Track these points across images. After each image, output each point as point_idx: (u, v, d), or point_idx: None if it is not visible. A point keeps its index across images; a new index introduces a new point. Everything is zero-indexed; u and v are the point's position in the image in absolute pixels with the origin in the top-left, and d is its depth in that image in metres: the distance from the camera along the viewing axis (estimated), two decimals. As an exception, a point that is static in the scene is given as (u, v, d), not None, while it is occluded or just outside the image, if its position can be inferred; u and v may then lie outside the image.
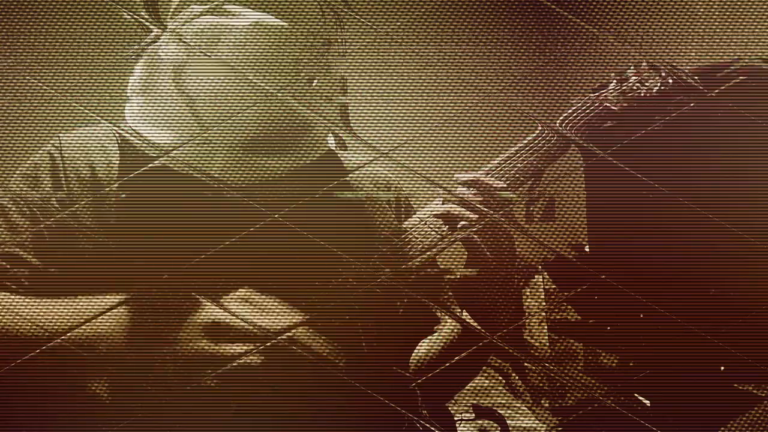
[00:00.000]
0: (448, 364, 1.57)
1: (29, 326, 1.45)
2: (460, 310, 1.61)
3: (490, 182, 1.53)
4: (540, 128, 1.55)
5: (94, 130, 1.58)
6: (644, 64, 1.60)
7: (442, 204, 1.52)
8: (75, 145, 1.55)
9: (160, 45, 1.56)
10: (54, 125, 1.61)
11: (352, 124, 1.59)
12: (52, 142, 1.56)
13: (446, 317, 1.60)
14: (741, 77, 1.60)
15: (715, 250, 1.86)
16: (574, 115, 1.58)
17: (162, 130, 1.55)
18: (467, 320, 1.60)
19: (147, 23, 1.57)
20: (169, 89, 1.55)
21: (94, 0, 1.65)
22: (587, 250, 2.00)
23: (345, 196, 1.59)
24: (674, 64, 1.60)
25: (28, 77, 1.56)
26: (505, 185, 1.53)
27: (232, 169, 1.53)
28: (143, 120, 1.56)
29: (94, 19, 1.66)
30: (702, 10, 1.77)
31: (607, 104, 1.58)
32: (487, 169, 1.55)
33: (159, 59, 1.56)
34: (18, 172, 1.55)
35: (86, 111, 1.57)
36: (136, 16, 1.57)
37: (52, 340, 1.42)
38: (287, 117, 1.54)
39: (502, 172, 1.55)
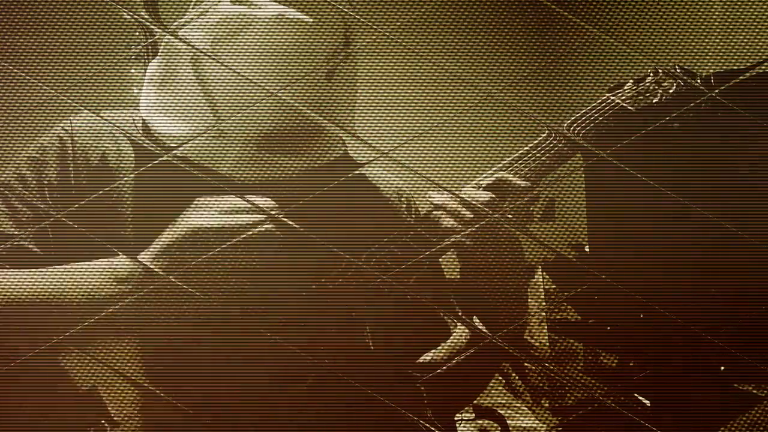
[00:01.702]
0: (450, 365, 1.57)
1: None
2: (461, 312, 1.60)
3: (513, 179, 1.51)
4: (547, 132, 1.54)
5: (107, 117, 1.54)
6: (661, 72, 1.59)
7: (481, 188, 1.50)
8: (86, 130, 1.52)
9: (183, 34, 1.51)
10: (54, 125, 1.60)
11: (353, 124, 1.58)
12: (62, 125, 1.52)
13: (451, 319, 1.60)
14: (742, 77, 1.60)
15: (715, 250, 1.86)
16: (589, 115, 1.56)
17: (178, 122, 1.50)
18: (468, 321, 1.59)
19: (147, 23, 1.56)
20: (188, 81, 1.50)
21: (94, 0, 1.64)
22: (587, 250, 2.00)
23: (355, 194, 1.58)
24: (691, 68, 1.59)
25: (28, 77, 1.55)
26: (528, 183, 1.51)
27: (245, 166, 1.50)
28: (160, 112, 1.52)
29: (94, 19, 1.66)
30: (702, 10, 1.77)
31: (623, 104, 1.56)
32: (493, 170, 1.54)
33: (179, 50, 1.51)
34: (24, 154, 1.50)
35: (86, 111, 1.55)
36: (136, 16, 1.56)
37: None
38: (303, 116, 1.51)
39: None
